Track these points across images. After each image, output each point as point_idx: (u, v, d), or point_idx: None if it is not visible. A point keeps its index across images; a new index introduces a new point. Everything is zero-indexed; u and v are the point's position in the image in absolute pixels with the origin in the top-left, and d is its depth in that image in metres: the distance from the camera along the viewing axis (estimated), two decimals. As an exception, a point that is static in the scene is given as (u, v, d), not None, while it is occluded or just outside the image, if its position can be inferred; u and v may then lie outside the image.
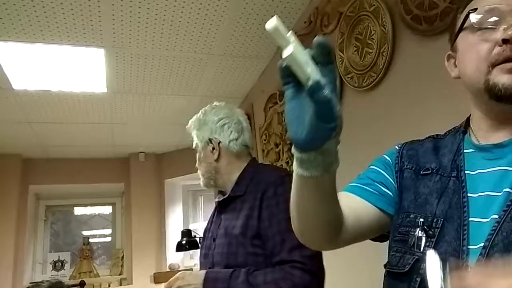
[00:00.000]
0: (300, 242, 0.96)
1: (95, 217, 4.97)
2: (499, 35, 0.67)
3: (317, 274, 1.14)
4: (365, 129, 1.76)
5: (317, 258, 1.16)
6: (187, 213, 4.72)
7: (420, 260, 0.68)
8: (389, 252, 0.78)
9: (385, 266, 0.78)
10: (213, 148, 1.38)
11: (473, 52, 0.71)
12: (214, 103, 1.47)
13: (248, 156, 1.43)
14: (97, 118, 3.52)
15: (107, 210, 4.99)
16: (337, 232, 0.79)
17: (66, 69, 2.66)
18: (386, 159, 0.88)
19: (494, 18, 0.68)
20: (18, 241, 4.04)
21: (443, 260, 0.63)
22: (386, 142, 1.61)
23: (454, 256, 0.65)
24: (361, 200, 0.82)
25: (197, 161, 1.44)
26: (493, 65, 0.67)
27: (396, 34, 1.56)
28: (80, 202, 4.86)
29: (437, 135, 0.87)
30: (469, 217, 0.67)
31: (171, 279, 1.26)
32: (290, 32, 0.54)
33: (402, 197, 0.80)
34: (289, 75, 0.57)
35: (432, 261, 0.61)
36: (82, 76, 2.78)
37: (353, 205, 0.80)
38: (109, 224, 4.89)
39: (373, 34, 1.67)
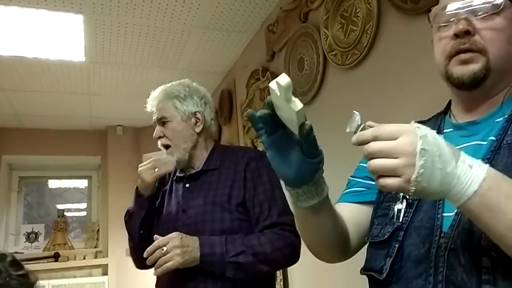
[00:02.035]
0: (285, 208, 1.21)
1: (70, 190, 4.89)
2: (451, 31, 0.74)
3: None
4: (347, 107, 1.77)
5: None
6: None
7: (399, 229, 0.73)
8: (370, 229, 0.83)
9: (367, 238, 0.82)
10: (197, 121, 1.41)
11: (437, 47, 0.79)
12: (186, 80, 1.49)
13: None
14: (74, 88, 3.43)
15: (82, 183, 4.91)
16: (347, 244, 0.86)
17: (43, 35, 2.57)
18: None
19: (447, 15, 0.75)
20: (-10, 211, 3.95)
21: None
22: (367, 120, 1.63)
23: (429, 223, 0.70)
24: (354, 205, 0.88)
25: (166, 133, 1.39)
26: (449, 57, 0.75)
27: (381, 12, 1.56)
28: (55, 174, 4.76)
29: (421, 120, 0.91)
30: None
31: (166, 237, 1.20)
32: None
33: None
34: (266, 123, 0.64)
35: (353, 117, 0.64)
36: (59, 43, 2.68)
37: (350, 213, 0.87)
38: (84, 198, 4.83)
39: (358, 12, 1.67)
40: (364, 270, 0.80)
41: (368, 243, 0.82)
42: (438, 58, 0.78)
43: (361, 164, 0.93)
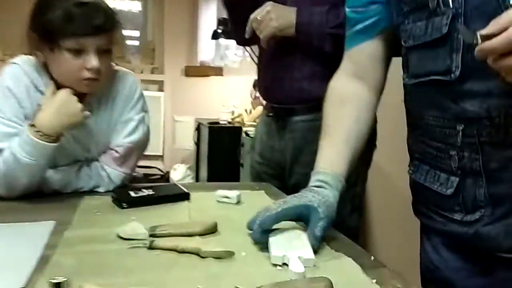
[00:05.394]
0: None
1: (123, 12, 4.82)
2: None
3: None
4: None
5: None
6: (221, 11, 4.54)
7: (457, 16, 0.60)
8: (399, 29, 0.71)
9: (405, 42, 0.70)
10: None
11: None
12: None
13: None
14: None
15: (135, 6, 4.81)
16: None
17: None
18: None
19: None
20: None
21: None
22: None
23: None
24: (366, 45, 0.80)
25: None
26: None
27: None
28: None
29: None
30: None
31: (259, 8, 1.12)
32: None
33: None
34: None
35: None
36: None
37: (368, 57, 0.81)
38: (139, 18, 4.77)
39: None
40: (415, 77, 0.69)
41: (405, 48, 0.70)
42: None
43: None
